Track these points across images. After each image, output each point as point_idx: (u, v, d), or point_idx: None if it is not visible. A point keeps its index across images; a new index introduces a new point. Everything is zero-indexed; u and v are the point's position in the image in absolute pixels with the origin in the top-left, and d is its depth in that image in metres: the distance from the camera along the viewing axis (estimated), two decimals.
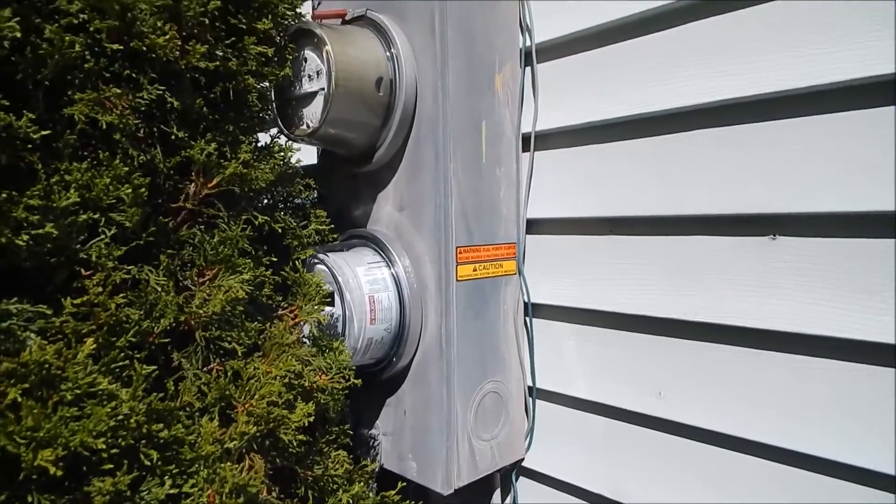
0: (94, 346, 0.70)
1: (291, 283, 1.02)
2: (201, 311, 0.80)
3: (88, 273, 0.76)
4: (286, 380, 0.86)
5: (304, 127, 1.08)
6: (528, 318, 1.20)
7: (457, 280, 1.08)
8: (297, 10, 1.03)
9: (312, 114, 1.06)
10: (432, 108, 1.06)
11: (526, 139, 1.19)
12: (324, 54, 1.01)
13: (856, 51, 0.79)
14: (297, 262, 1.02)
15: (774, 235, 0.89)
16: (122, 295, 0.78)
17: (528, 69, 1.18)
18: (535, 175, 1.19)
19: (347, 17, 1.15)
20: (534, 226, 1.20)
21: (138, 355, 0.77)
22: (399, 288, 1.10)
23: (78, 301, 0.72)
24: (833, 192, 0.82)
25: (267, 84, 1.00)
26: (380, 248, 1.14)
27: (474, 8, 1.09)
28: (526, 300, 1.19)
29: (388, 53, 1.08)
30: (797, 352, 0.88)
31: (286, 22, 1.02)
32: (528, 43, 1.17)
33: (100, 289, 0.73)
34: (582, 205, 1.12)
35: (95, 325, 0.74)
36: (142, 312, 0.79)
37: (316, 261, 1.09)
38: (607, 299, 1.10)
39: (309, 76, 1.06)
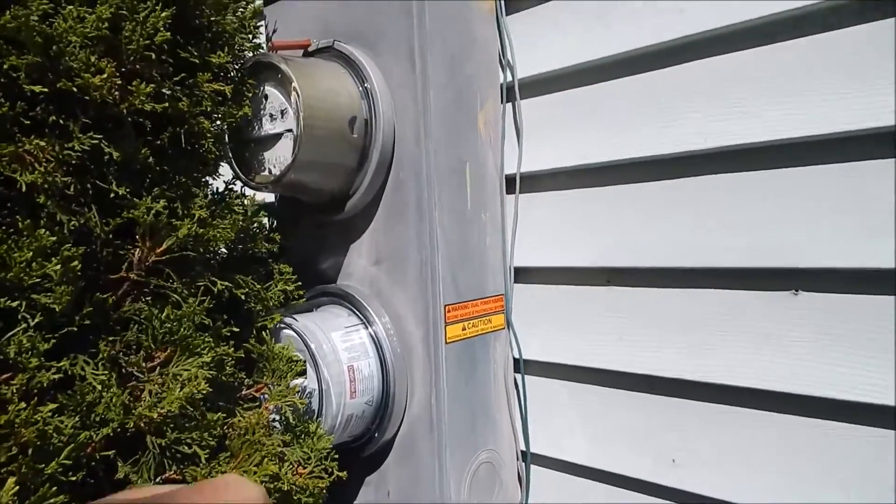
0: (16, 486, 0.53)
1: (257, 356, 0.87)
2: (153, 414, 0.65)
3: (6, 377, 0.60)
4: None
5: (266, 173, 0.94)
6: (518, 376, 1.10)
7: (445, 343, 0.96)
8: (257, 41, 0.90)
9: (277, 158, 0.92)
10: (414, 150, 0.95)
11: (510, 181, 1.09)
12: (291, 91, 0.88)
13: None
14: (263, 333, 0.87)
15: (797, 290, 0.83)
16: (49, 401, 0.62)
17: (509, 106, 1.10)
18: (521, 220, 1.10)
19: (311, 49, 1.02)
20: (522, 275, 1.11)
21: (73, 477, 0.61)
22: (381, 352, 0.97)
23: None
24: (864, 246, 0.77)
25: (222, 126, 0.86)
26: (355, 307, 1.01)
27: (454, 40, 0.99)
28: (516, 356, 1.09)
29: (360, 89, 0.96)
30: (825, 416, 0.81)
31: (244, 54, 0.88)
32: (509, 78, 1.08)
33: (22, 404, 0.56)
34: (575, 253, 1.04)
35: (17, 446, 0.57)
36: (76, 420, 0.63)
37: (282, 325, 0.95)
38: (607, 357, 1.01)
39: (271, 115, 0.92)
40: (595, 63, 0.99)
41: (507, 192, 1.10)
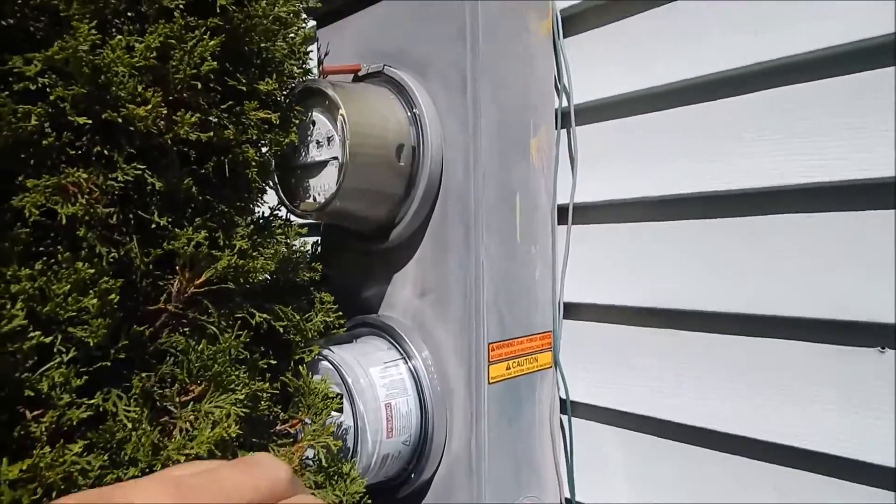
0: None
1: (293, 390, 0.84)
2: (180, 457, 0.63)
3: (36, 413, 0.59)
4: None
5: (312, 200, 0.92)
6: (564, 417, 1.04)
7: (489, 382, 0.91)
8: (307, 66, 0.88)
9: (322, 186, 0.90)
10: (462, 179, 0.91)
11: (562, 211, 1.04)
12: (338, 119, 0.85)
13: None
14: (300, 366, 0.85)
15: (884, 348, 0.74)
16: (79, 437, 0.61)
17: (562, 133, 1.04)
18: (572, 252, 1.04)
19: (361, 73, 1.00)
20: (571, 311, 1.05)
21: None
22: (420, 389, 0.93)
23: (23, 466, 0.53)
24: None
25: (268, 154, 0.84)
26: (395, 340, 0.97)
27: (508, 63, 0.95)
28: (563, 396, 1.03)
29: (409, 115, 0.93)
30: None
31: (293, 80, 0.87)
32: (564, 103, 1.03)
33: (47, 448, 0.55)
34: (630, 291, 0.97)
35: (41, 487, 0.55)
36: (105, 458, 0.61)
37: (320, 357, 0.92)
38: (661, 404, 0.94)
39: (318, 142, 0.90)
40: (657, 90, 0.93)
41: (559, 223, 1.05)
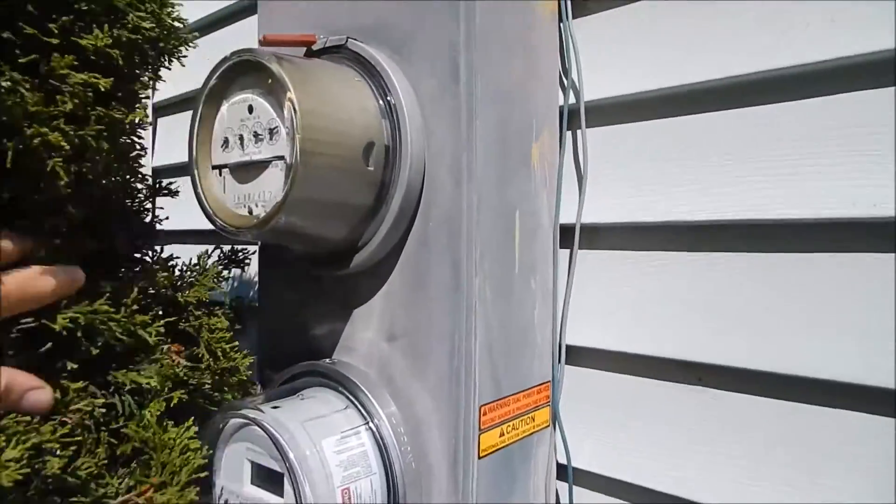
0: None
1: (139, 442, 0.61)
2: None
3: None
4: None
5: (246, 213, 0.68)
6: (562, 484, 0.84)
7: (479, 456, 0.70)
8: (165, 20, 0.66)
9: (261, 194, 0.67)
10: (452, 193, 0.69)
11: (566, 232, 0.84)
12: (285, 105, 0.62)
13: None
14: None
15: None
16: None
17: (568, 137, 0.85)
18: (576, 283, 0.84)
19: (316, 47, 0.77)
20: (575, 355, 0.85)
21: None
22: (387, 465, 0.71)
23: None
24: None
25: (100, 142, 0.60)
26: (354, 396, 0.74)
27: (510, 46, 0.75)
28: (564, 461, 0.83)
29: (381, 104, 0.70)
30: None
31: (141, 37, 0.63)
32: (571, 100, 0.83)
33: None
34: (651, 337, 0.78)
35: None
36: None
37: (241, 418, 0.69)
38: (689, 481, 0.75)
39: (256, 135, 0.67)
40: (691, 88, 0.74)
41: (561, 246, 0.85)
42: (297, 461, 0.66)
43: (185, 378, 0.72)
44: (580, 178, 0.83)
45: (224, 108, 0.70)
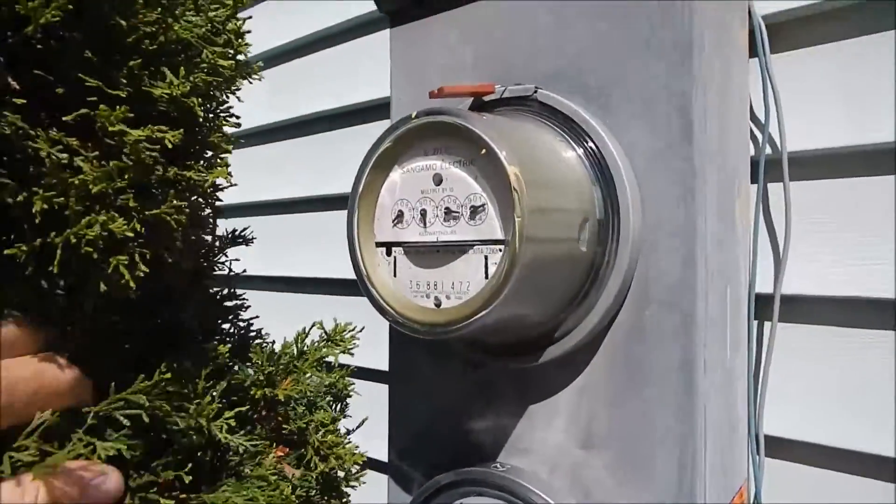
0: None
1: None
2: None
3: None
4: None
5: (432, 304, 0.56)
6: None
7: None
8: (238, 57, 0.53)
9: (456, 285, 0.54)
10: (680, 274, 0.57)
11: (762, 302, 0.72)
12: (509, 180, 0.50)
13: None
14: None
15: None
16: None
17: (761, 191, 0.73)
18: (776, 362, 0.72)
19: (488, 97, 0.65)
20: (774, 447, 0.73)
21: None
22: None
23: None
24: None
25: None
26: None
27: (725, 92, 0.63)
28: None
29: (590, 169, 0.58)
30: None
31: (219, 78, 0.50)
32: (767, 151, 0.72)
33: None
34: (863, 430, 0.67)
35: None
36: None
37: None
38: None
39: (448, 211, 0.54)
40: None
41: (754, 318, 0.73)
42: None
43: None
44: (785, 240, 0.71)
45: (396, 174, 0.58)
